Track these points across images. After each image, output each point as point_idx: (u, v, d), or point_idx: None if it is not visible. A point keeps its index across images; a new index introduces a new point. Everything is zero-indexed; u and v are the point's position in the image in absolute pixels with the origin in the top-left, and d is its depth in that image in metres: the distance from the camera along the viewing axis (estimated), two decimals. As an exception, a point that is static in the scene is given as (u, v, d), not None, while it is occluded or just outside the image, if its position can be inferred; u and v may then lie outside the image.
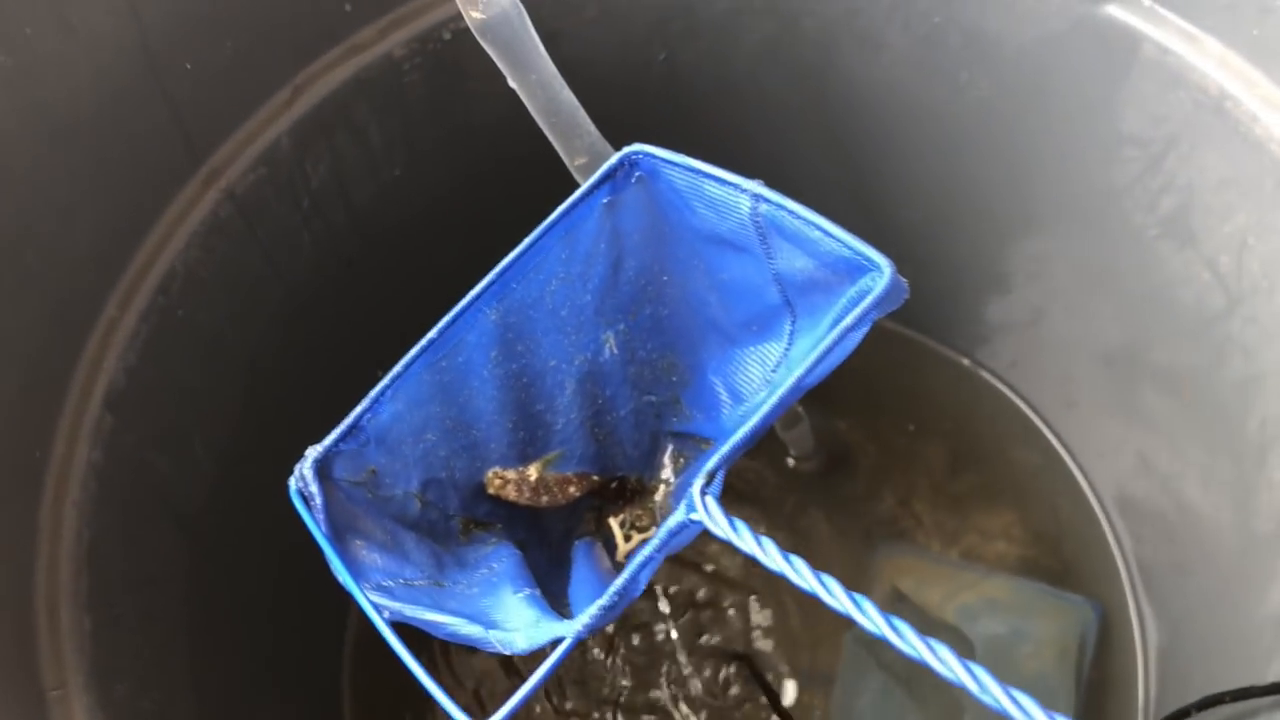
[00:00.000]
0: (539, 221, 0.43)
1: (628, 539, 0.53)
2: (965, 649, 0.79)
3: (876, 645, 0.82)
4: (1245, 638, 0.60)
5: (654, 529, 0.52)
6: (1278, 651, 0.56)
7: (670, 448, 0.54)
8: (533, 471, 0.51)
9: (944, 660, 0.29)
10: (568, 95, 0.48)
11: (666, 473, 0.55)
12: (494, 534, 0.50)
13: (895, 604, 0.84)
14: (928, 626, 0.81)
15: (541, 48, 0.47)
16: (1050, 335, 0.79)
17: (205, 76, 0.52)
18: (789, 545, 0.92)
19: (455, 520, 0.48)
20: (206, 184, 0.54)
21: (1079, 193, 0.66)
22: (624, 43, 0.67)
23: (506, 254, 0.43)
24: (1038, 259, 0.75)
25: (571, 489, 0.52)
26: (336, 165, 0.60)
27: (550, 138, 0.49)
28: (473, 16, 0.46)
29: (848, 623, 0.90)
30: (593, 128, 0.50)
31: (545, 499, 0.52)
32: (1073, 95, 0.61)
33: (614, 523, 0.54)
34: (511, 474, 0.50)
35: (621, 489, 0.54)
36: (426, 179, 0.66)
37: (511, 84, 0.47)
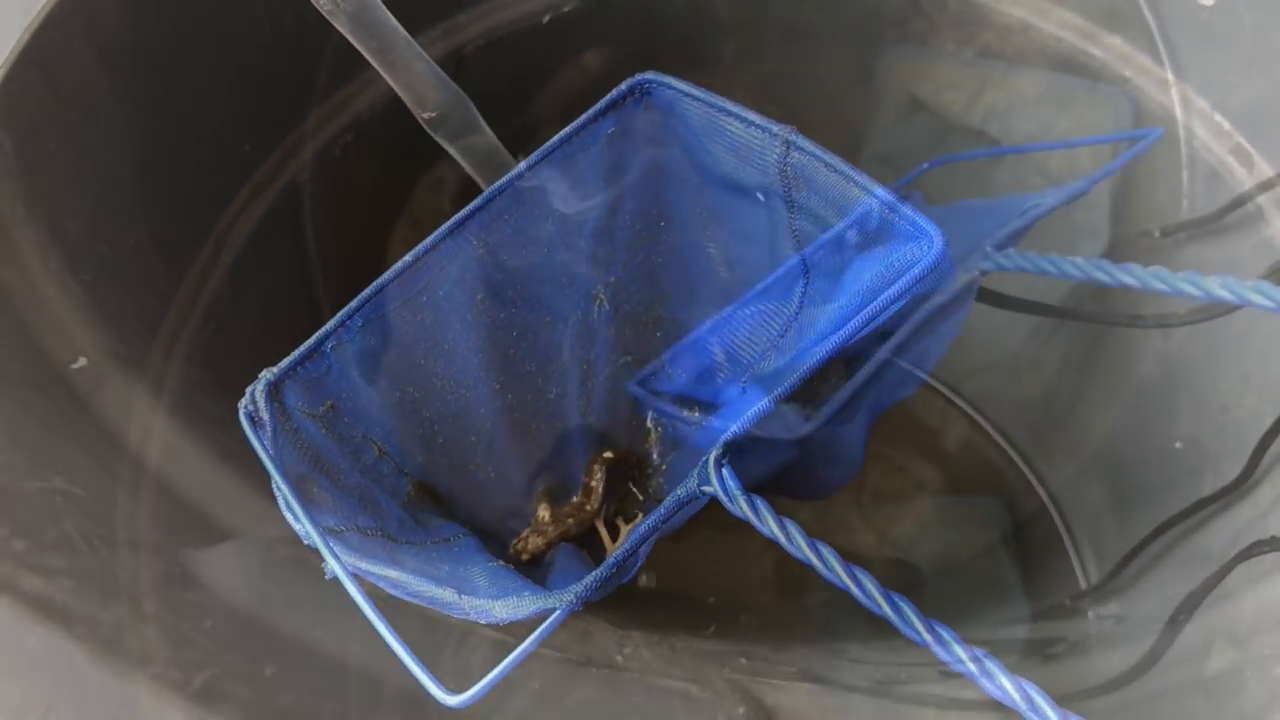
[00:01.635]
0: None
1: (614, 536, 0.49)
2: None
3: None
4: (1162, 465, 0.70)
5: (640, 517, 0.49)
6: (1203, 468, 0.65)
7: (650, 414, 0.51)
8: (542, 512, 0.48)
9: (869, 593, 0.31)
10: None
11: (651, 439, 0.51)
12: (441, 512, 0.45)
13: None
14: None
15: (488, 129, 0.50)
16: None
17: (127, 256, 0.52)
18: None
19: (406, 479, 0.43)
20: (170, 348, 0.54)
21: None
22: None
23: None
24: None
25: (594, 484, 0.48)
26: (265, 304, 0.61)
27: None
28: (424, 116, 0.48)
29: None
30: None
31: (573, 521, 0.48)
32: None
33: (600, 526, 0.49)
34: (525, 531, 0.47)
35: (636, 464, 0.50)
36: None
37: (466, 168, 0.50)
